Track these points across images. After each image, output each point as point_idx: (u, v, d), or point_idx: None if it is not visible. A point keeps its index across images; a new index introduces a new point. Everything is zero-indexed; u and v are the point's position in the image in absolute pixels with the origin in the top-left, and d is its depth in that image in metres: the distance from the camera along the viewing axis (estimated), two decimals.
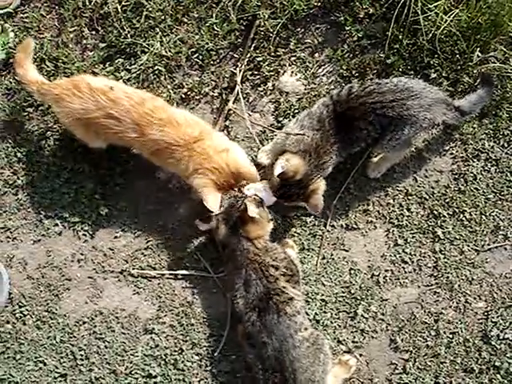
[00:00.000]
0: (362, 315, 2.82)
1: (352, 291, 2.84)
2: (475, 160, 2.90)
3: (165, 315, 2.84)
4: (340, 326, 2.83)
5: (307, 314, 2.78)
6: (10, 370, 2.84)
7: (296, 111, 2.88)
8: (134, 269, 2.86)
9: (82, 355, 2.84)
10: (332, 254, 2.86)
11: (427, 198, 2.88)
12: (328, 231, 2.87)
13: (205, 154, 2.58)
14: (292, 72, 2.91)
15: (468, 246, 2.86)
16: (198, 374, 2.81)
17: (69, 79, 2.65)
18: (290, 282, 2.62)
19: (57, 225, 2.89)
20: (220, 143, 2.64)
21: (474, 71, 2.83)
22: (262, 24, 2.84)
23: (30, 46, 2.70)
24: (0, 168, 2.91)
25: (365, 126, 2.60)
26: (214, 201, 2.57)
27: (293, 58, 2.92)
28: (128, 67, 2.89)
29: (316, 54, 2.92)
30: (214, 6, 2.90)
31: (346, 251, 2.87)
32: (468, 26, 2.76)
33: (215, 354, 2.79)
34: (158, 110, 2.57)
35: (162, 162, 2.67)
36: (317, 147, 2.62)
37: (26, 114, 2.91)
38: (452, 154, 2.91)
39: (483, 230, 2.87)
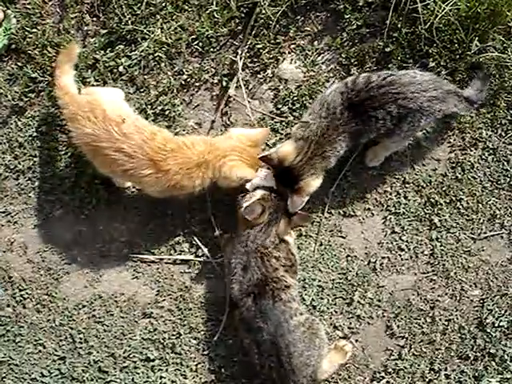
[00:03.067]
0: (358, 301, 2.85)
1: (349, 277, 2.87)
2: (473, 149, 2.91)
3: (163, 300, 2.88)
4: (336, 312, 2.86)
5: (304, 299, 2.82)
6: (9, 353, 2.88)
7: (295, 98, 2.89)
8: (133, 253, 2.88)
9: (81, 338, 2.87)
10: (329, 241, 2.89)
11: (424, 186, 2.89)
12: (326, 218, 2.89)
13: (218, 154, 2.59)
14: (291, 59, 2.92)
15: (464, 234, 2.88)
16: (195, 357, 2.85)
17: (88, 100, 2.56)
18: (288, 272, 2.66)
19: (57, 209, 2.91)
20: (220, 137, 2.69)
21: (472, 60, 2.83)
22: (262, 11, 2.85)
23: (74, 51, 2.70)
24: (1, 153, 2.93)
25: (382, 116, 2.57)
26: (249, 172, 2.61)
27: (292, 46, 2.93)
28: (128, 53, 2.90)
29: (315, 42, 2.93)
30: None
31: (344, 238, 2.89)
32: (466, 16, 2.76)
33: (214, 339, 2.83)
34: (168, 141, 2.55)
35: (183, 189, 2.62)
36: (321, 135, 2.59)
37: (27, 99, 2.92)
38: (450, 142, 2.92)
39: (480, 219, 2.89)
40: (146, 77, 2.91)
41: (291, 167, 2.61)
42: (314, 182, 2.66)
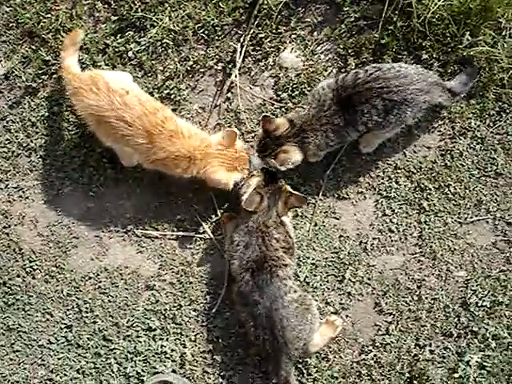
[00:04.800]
0: (349, 279, 2.96)
1: (341, 256, 2.98)
2: (462, 137, 3.02)
3: (165, 273, 2.99)
4: (328, 289, 2.97)
5: (298, 276, 2.93)
6: (18, 320, 2.99)
7: (294, 86, 3.01)
8: (138, 229, 3.00)
9: (87, 308, 2.98)
10: (323, 222, 3.00)
11: (415, 171, 3.00)
12: (320, 200, 3.00)
13: (205, 155, 2.75)
14: (292, 49, 3.04)
15: (452, 218, 2.99)
16: (194, 328, 2.96)
17: (90, 74, 2.73)
18: (286, 253, 2.75)
19: (67, 186, 3.03)
20: (211, 140, 2.81)
21: (464, 54, 2.94)
22: (265, 2, 2.95)
23: (78, 36, 2.86)
24: (15, 131, 3.05)
25: (368, 109, 2.70)
26: (225, 177, 2.76)
27: (293, 36, 3.04)
28: (137, 40, 3.01)
29: (315, 33, 3.04)
30: None
31: (337, 219, 3.01)
32: (459, 11, 2.87)
33: (212, 311, 2.94)
34: (168, 121, 2.71)
35: (165, 169, 2.80)
36: (305, 121, 2.76)
37: (40, 81, 3.04)
38: (440, 131, 3.03)
39: (466, 204, 3.00)
40: (153, 62, 3.03)
41: (281, 136, 2.76)
42: (294, 152, 2.79)
